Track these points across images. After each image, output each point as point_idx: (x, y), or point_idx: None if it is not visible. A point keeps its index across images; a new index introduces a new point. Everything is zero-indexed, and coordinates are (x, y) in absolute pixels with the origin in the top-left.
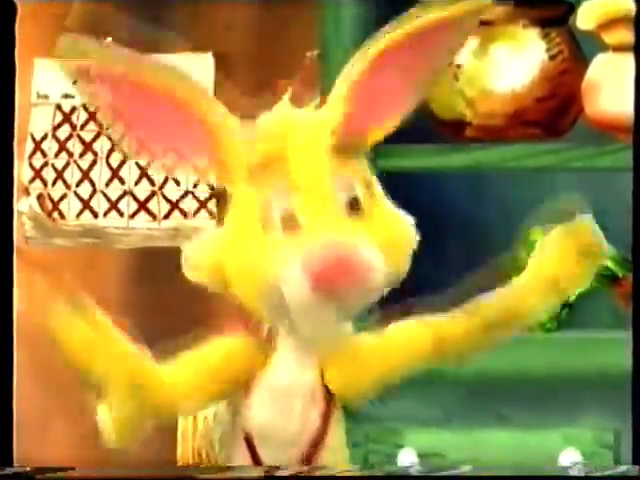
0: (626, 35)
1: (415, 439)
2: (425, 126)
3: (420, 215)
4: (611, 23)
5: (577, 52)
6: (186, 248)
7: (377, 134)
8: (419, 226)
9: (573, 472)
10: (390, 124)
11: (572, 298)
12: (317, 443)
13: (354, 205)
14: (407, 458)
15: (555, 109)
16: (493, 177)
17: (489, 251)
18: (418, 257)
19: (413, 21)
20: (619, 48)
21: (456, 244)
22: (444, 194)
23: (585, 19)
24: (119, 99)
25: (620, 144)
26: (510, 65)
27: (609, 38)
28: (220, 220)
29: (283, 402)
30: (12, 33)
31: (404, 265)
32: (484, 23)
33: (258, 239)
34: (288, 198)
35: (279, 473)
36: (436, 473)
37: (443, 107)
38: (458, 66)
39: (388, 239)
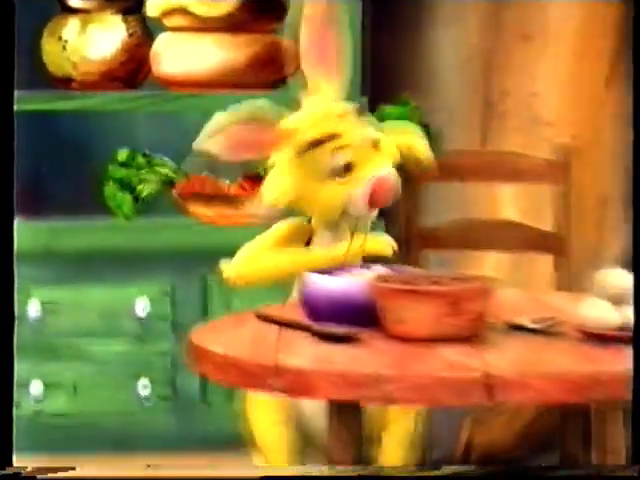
0: (179, 20)
1: (40, 294)
2: (43, 81)
3: (44, 146)
4: (169, 12)
5: (147, 31)
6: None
7: None
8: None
9: None
10: None
11: (142, 195)
12: None
13: (376, 145)
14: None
15: (133, 70)
16: (92, 117)
17: (92, 171)
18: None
19: None
20: (175, 29)
21: (70, 167)
22: (59, 130)
23: (152, 9)
24: None
25: (179, 94)
26: (101, 40)
27: (168, 22)
28: None
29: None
30: (12, 32)
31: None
32: (82, 11)
33: (328, 180)
34: (345, 156)
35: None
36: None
37: (56, 68)
38: (66, 41)
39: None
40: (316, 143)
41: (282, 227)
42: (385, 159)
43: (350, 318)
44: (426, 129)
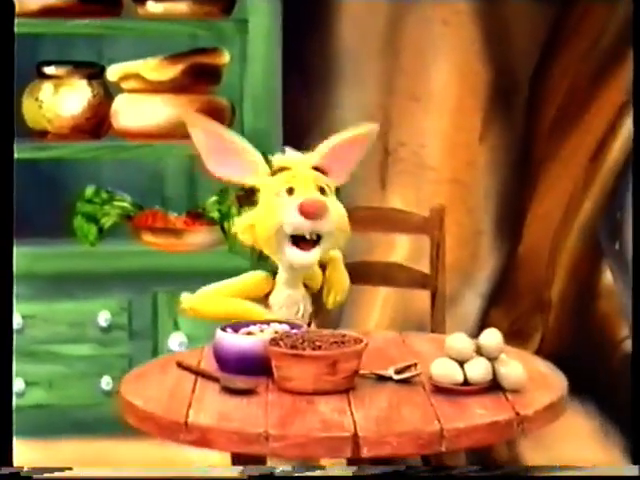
0: (134, 84)
1: (21, 309)
2: (23, 133)
3: (25, 187)
4: (126, 77)
5: (108, 93)
6: (236, 221)
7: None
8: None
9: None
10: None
11: (105, 226)
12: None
13: (323, 191)
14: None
15: (97, 124)
16: (65, 164)
17: (63, 206)
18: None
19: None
20: (131, 91)
21: (46, 203)
22: (37, 173)
23: (111, 75)
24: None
25: (134, 144)
26: (71, 100)
27: (125, 85)
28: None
29: (291, 307)
30: (11, 31)
31: (343, 237)
32: (55, 77)
33: (275, 201)
34: (291, 183)
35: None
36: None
37: (34, 123)
38: (42, 101)
39: (338, 214)
40: (273, 172)
41: (247, 277)
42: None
43: (251, 369)
44: None
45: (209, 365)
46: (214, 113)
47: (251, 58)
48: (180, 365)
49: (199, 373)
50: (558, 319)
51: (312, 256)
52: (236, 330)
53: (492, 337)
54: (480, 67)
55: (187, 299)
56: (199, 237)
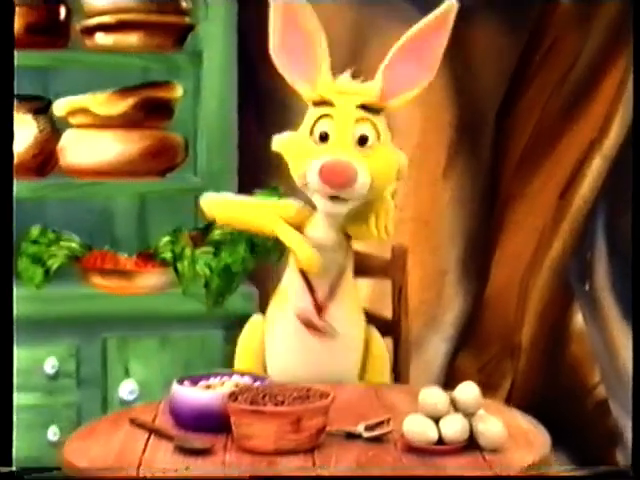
0: (82, 118)
1: None
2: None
3: None
4: (74, 112)
5: (55, 128)
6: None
7: (396, 105)
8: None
9: None
10: (405, 99)
11: (52, 268)
12: (342, 273)
13: (363, 141)
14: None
15: (43, 161)
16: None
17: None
18: None
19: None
20: (79, 126)
21: None
22: None
23: (58, 109)
24: None
25: (82, 182)
26: (15, 136)
27: (73, 120)
28: None
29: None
30: (11, 32)
31: (388, 186)
32: None
33: (306, 142)
34: (327, 126)
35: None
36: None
37: None
38: None
39: (379, 169)
40: (316, 102)
41: (277, 201)
42: (358, 157)
43: (210, 426)
44: None
45: (165, 421)
46: (167, 149)
47: (205, 92)
48: (134, 422)
49: (153, 430)
50: (529, 364)
51: (339, 209)
52: (195, 383)
53: (469, 391)
54: (444, 101)
55: (207, 199)
56: (151, 279)
